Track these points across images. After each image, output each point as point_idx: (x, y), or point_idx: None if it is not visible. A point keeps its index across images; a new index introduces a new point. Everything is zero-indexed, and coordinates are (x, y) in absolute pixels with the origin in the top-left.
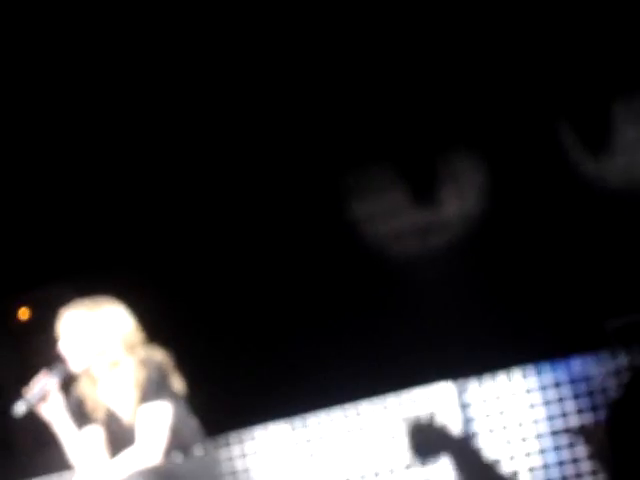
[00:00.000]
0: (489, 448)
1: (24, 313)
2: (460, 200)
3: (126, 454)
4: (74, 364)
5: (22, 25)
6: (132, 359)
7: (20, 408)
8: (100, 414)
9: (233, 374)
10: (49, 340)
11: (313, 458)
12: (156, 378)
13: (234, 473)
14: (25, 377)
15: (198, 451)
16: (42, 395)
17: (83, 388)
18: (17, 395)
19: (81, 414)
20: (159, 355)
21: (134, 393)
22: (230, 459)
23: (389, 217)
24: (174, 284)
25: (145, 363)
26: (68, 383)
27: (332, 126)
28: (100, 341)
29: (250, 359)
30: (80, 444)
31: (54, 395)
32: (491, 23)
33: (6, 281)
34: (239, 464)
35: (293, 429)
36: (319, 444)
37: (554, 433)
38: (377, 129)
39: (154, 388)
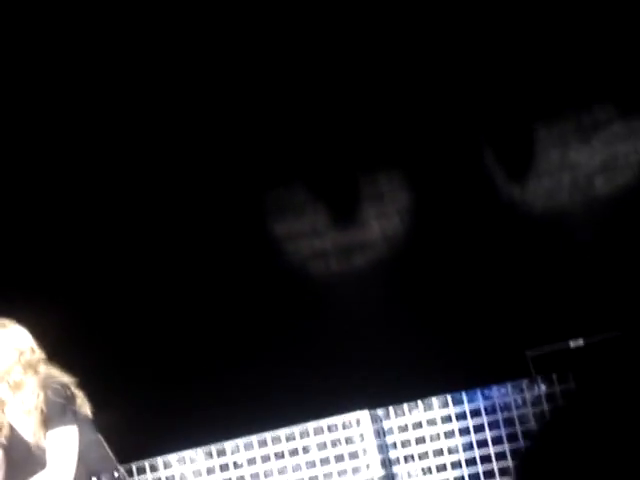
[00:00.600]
0: (406, 476)
1: None
2: (382, 220)
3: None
4: None
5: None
6: (34, 380)
7: None
8: (4, 436)
9: (144, 398)
10: None
11: None
12: (60, 400)
13: None
14: None
15: (108, 478)
16: None
17: None
18: None
19: None
20: (63, 376)
21: (38, 415)
22: None
23: (310, 237)
24: (81, 303)
25: (48, 384)
26: None
27: (256, 144)
28: (1, 362)
29: (161, 384)
30: None
31: None
32: (417, 43)
33: None
34: None
35: (209, 456)
36: (235, 472)
37: (470, 461)
38: (299, 148)
39: (58, 410)
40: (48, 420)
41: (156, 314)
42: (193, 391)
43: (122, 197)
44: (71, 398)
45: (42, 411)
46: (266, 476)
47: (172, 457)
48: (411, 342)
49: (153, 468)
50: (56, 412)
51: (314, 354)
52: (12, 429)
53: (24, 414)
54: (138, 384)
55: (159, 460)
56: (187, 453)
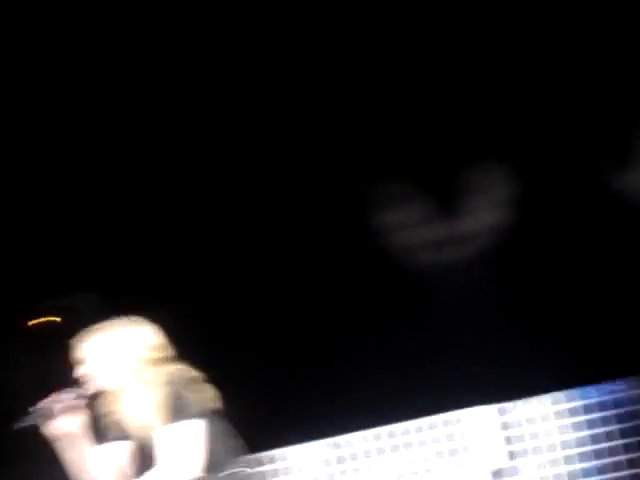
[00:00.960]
0: (529, 469)
1: (44, 321)
2: (488, 211)
3: (156, 473)
4: (97, 383)
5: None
6: (160, 377)
7: (24, 422)
8: (131, 432)
9: (265, 393)
10: (68, 350)
11: (345, 476)
12: (183, 396)
13: None
14: (41, 386)
15: (231, 470)
16: (50, 413)
17: (108, 406)
18: (30, 406)
19: (104, 431)
20: (189, 372)
21: (160, 411)
22: (262, 477)
23: (413, 228)
24: (204, 300)
25: (174, 380)
26: (91, 401)
27: (357, 137)
28: (124, 360)
29: (283, 377)
30: (98, 462)
31: (64, 413)
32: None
33: (27, 290)
34: None
35: (326, 448)
36: (352, 464)
37: (587, 456)
38: (402, 140)
39: (182, 406)
40: (173, 415)
41: (278, 309)
42: (313, 385)
43: (231, 201)
44: (196, 393)
45: (168, 407)
46: (381, 468)
47: (291, 449)
48: (526, 337)
49: (273, 459)
50: (181, 407)
51: (430, 347)
52: (132, 426)
53: (145, 411)
54: (262, 378)
55: (279, 452)
56: (307, 445)
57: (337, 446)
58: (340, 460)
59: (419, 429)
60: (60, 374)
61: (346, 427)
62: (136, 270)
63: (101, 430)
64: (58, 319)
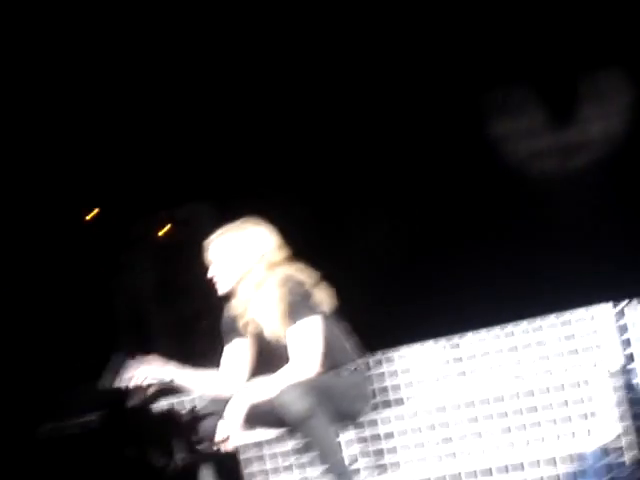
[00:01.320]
0: None
1: (167, 230)
2: (602, 120)
3: (281, 372)
4: (222, 286)
5: None
6: (276, 278)
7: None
8: (250, 332)
9: (382, 293)
10: (192, 257)
11: (464, 377)
12: (302, 295)
13: (384, 390)
14: (164, 293)
15: (349, 368)
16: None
17: (234, 308)
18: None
19: (233, 331)
20: (305, 272)
21: (280, 311)
22: (381, 376)
23: (530, 136)
24: (321, 202)
25: (289, 281)
26: (219, 304)
27: (474, 43)
28: (247, 262)
29: (400, 277)
30: (227, 361)
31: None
32: None
33: (150, 198)
34: (389, 381)
35: (444, 348)
36: (470, 363)
37: None
38: (520, 47)
39: (301, 305)
40: (289, 316)
41: (394, 210)
42: (430, 283)
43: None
44: (313, 294)
45: (286, 308)
46: (500, 368)
47: (409, 349)
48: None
49: (391, 360)
50: (299, 308)
51: (546, 247)
52: (257, 326)
53: (267, 311)
54: (380, 279)
55: (397, 352)
56: (424, 345)
57: (455, 346)
58: (458, 360)
59: (538, 329)
60: (182, 281)
61: (463, 327)
62: (252, 175)
63: (229, 331)
64: (177, 228)
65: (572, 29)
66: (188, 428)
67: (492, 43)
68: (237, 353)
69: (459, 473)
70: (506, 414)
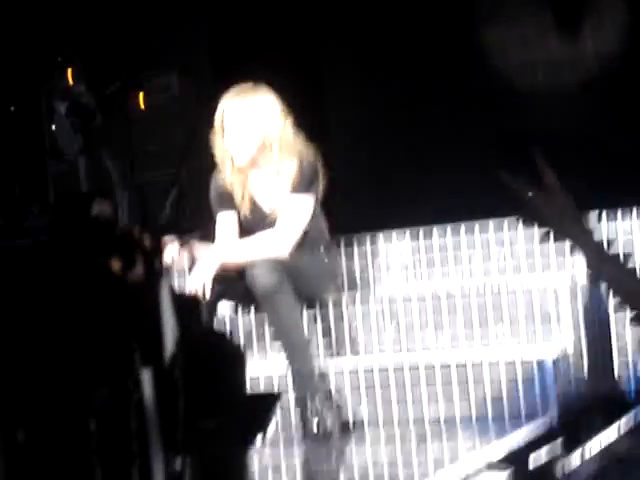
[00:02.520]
0: None
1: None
2: (600, 35)
3: (261, 236)
4: (239, 157)
5: None
6: (287, 153)
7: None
8: (246, 207)
9: (369, 177)
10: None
11: (430, 267)
12: (309, 172)
13: (352, 272)
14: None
15: (321, 248)
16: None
17: (231, 179)
18: None
19: (226, 202)
20: (312, 150)
21: (285, 184)
22: (350, 259)
23: (524, 46)
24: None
25: (303, 155)
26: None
27: None
28: (262, 131)
29: (386, 164)
30: (222, 229)
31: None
32: None
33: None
34: (359, 264)
35: (416, 238)
36: (439, 255)
37: None
38: None
39: (306, 181)
40: (294, 188)
41: None
42: (416, 169)
43: None
44: (317, 173)
45: (291, 181)
46: (470, 264)
47: (381, 234)
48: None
49: (360, 243)
50: (303, 183)
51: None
52: (253, 200)
53: (270, 184)
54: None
55: (367, 237)
56: (396, 232)
57: (427, 237)
58: (428, 250)
59: (513, 227)
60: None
61: (442, 218)
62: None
63: (220, 203)
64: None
65: None
66: None
67: None
68: (230, 225)
69: (417, 366)
70: (470, 309)
